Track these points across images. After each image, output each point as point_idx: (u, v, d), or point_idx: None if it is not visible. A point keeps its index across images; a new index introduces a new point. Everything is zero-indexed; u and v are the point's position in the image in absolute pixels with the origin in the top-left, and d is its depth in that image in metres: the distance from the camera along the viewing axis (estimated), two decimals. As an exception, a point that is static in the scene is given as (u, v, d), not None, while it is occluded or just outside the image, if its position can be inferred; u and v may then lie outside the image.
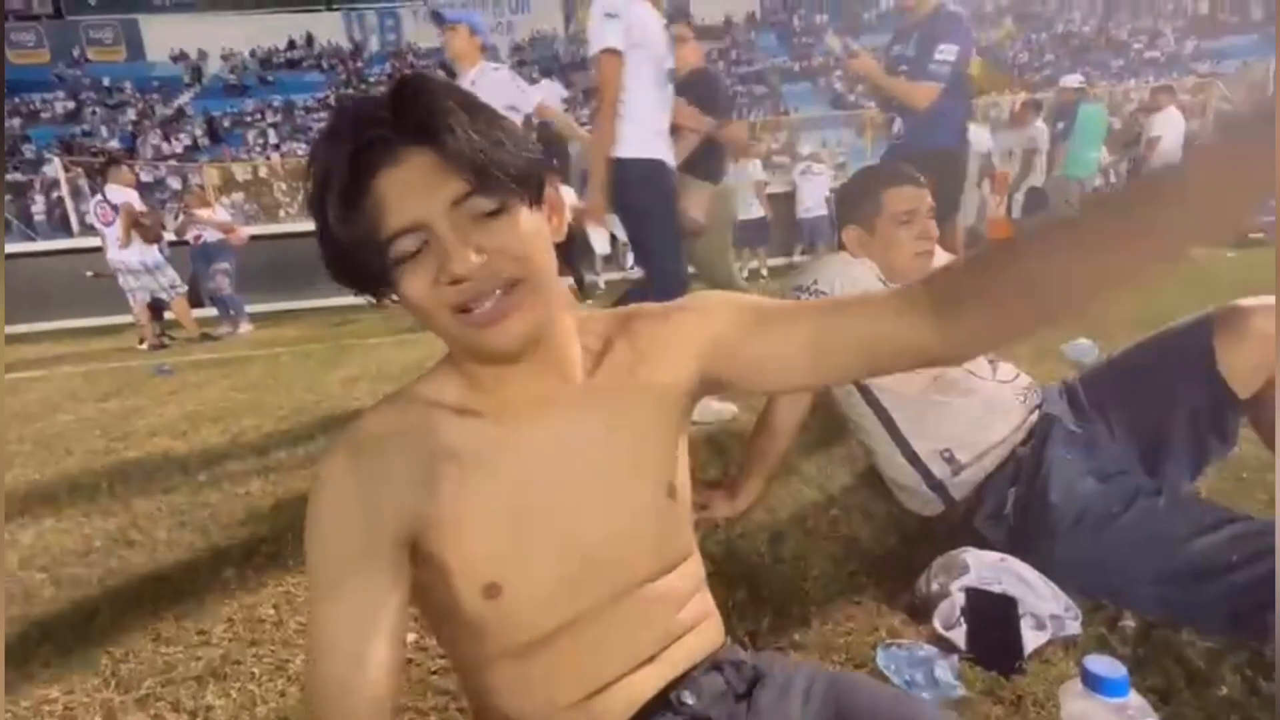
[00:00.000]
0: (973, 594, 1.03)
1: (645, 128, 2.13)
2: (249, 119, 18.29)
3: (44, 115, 18.02)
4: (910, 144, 2.59)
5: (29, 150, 15.47)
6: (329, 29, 22.44)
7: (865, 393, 1.30)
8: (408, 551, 0.53)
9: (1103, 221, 0.46)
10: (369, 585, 0.51)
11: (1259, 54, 13.17)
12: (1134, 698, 0.64)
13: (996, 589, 1.02)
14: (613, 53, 2.03)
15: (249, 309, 6.06)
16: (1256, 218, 7.06)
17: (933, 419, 1.25)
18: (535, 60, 20.20)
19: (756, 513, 1.53)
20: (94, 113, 17.99)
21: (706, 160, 2.73)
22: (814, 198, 7.36)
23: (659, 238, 2.23)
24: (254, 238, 6.53)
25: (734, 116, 2.92)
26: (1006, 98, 9.80)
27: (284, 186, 12.47)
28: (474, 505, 0.55)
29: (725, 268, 3.12)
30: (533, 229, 0.52)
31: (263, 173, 12.85)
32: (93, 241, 5.93)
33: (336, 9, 22.76)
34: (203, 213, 6.03)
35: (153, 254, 5.42)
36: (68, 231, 10.01)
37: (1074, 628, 1.00)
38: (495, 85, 2.73)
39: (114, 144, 15.69)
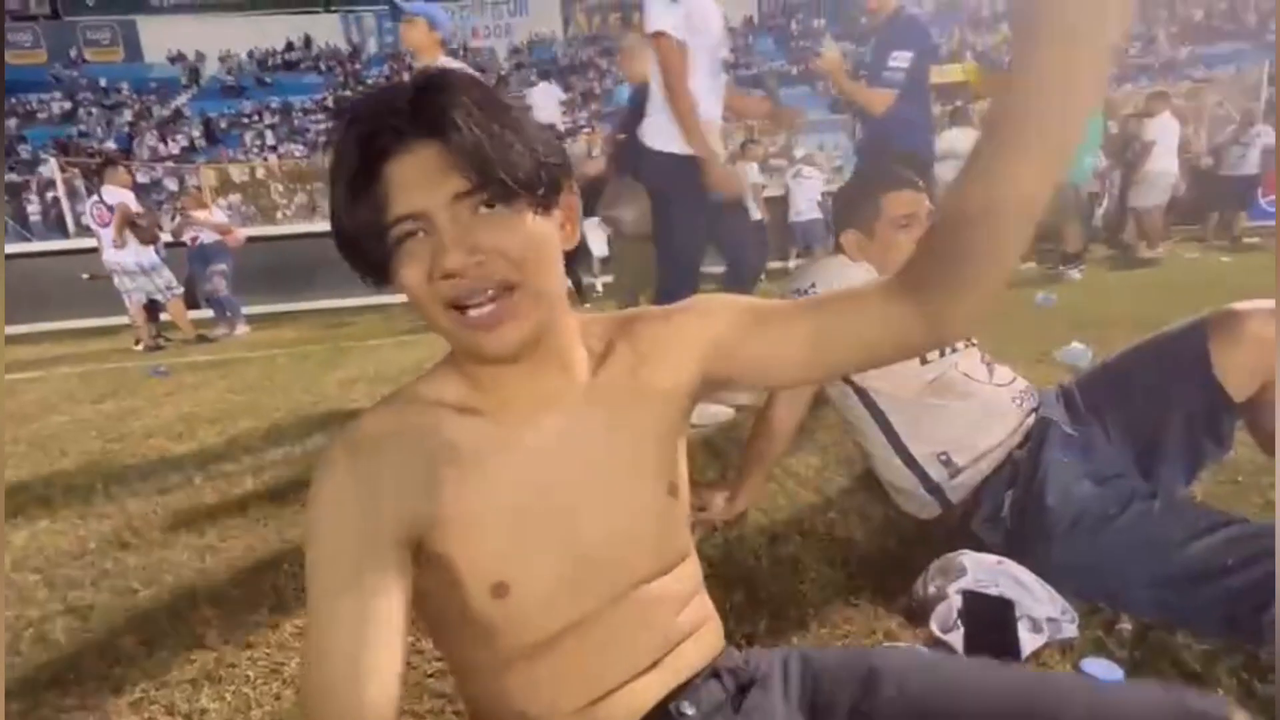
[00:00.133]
0: (970, 597, 1.03)
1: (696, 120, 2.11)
2: (246, 120, 18.27)
3: (40, 116, 17.97)
4: (874, 149, 2.59)
5: (25, 151, 15.42)
6: (327, 31, 22.44)
7: (862, 395, 1.31)
8: (409, 553, 0.53)
9: (980, 152, 0.49)
10: (370, 588, 0.50)
11: (1252, 60, 13.25)
12: (1130, 700, 0.64)
13: (993, 592, 1.02)
14: (665, 36, 2.02)
15: (246, 310, 6.04)
16: (1247, 220, 7.11)
17: (930, 422, 1.25)
18: (533, 63, 20.23)
19: (754, 515, 1.53)
20: (90, 113, 17.95)
21: None
22: (806, 201, 7.35)
23: (680, 234, 2.22)
24: (251, 239, 6.52)
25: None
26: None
27: (281, 188, 12.44)
28: (479, 504, 0.54)
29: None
30: (537, 233, 0.52)
31: (260, 174, 12.81)
32: (89, 242, 5.91)
33: (334, 11, 22.75)
34: (199, 214, 6.02)
35: (149, 255, 5.40)
36: (63, 232, 9.97)
37: (1071, 630, 1.01)
38: None
39: (110, 145, 15.65)
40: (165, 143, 16.71)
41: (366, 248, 0.52)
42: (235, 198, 11.69)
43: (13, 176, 12.81)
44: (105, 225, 5.22)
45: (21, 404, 3.43)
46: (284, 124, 18.07)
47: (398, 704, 0.49)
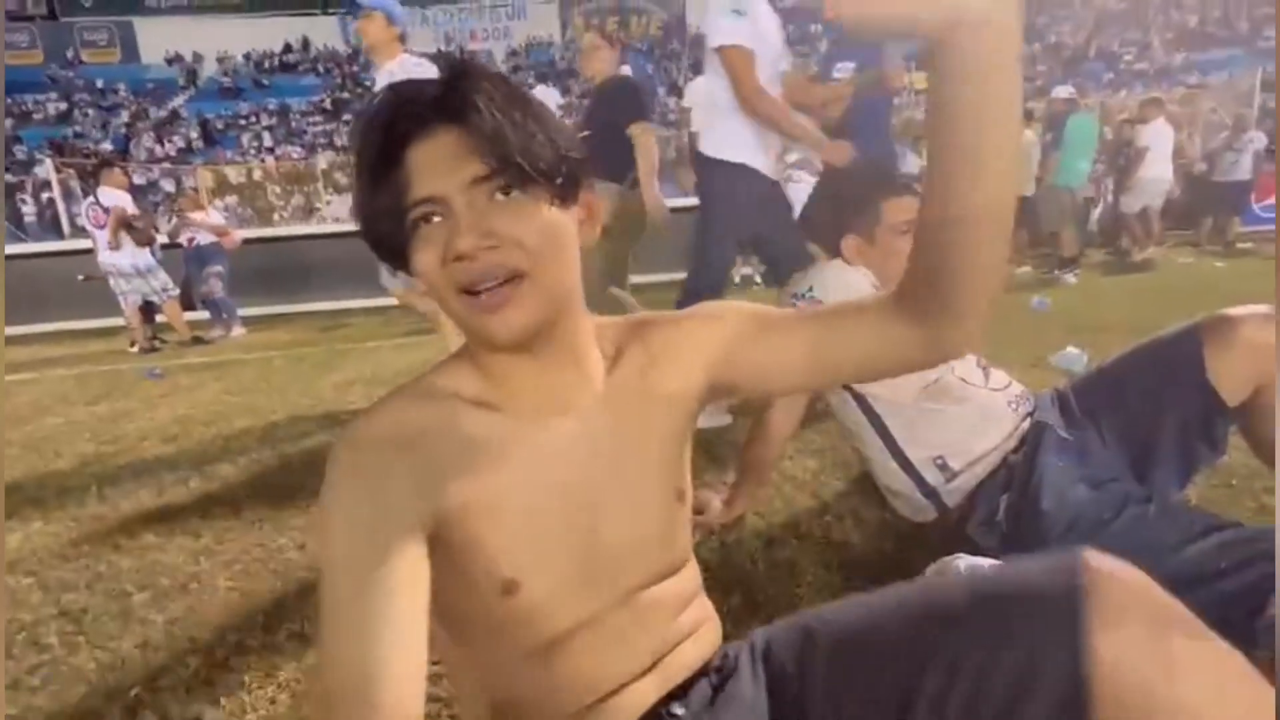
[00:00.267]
0: (965, 600, 1.03)
1: (742, 129, 2.13)
2: (244, 122, 18.24)
3: (36, 116, 17.92)
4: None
5: (20, 151, 15.37)
6: (325, 33, 22.43)
7: (859, 400, 1.31)
8: (426, 549, 0.51)
9: (927, 173, 0.49)
10: (389, 586, 0.47)
11: (1245, 66, 13.36)
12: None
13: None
14: (737, 48, 2.04)
15: (242, 312, 6.03)
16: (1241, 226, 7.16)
17: (926, 426, 1.25)
18: (531, 66, 20.27)
19: (751, 519, 1.54)
20: (86, 114, 17.91)
21: (613, 159, 2.63)
22: (799, 204, 7.35)
23: (723, 241, 2.24)
24: (247, 241, 6.50)
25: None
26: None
27: (278, 190, 12.42)
28: (495, 499, 0.54)
29: (620, 277, 2.81)
30: (553, 224, 0.52)
31: (257, 176, 12.78)
32: (84, 244, 5.89)
33: (333, 13, 22.75)
34: (196, 215, 6.00)
35: (145, 257, 5.38)
36: (59, 233, 9.93)
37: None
38: None
39: (107, 146, 15.61)
40: (162, 144, 16.68)
41: (386, 231, 0.52)
42: (232, 199, 11.67)
43: (8, 177, 12.76)
44: (101, 227, 5.20)
45: (15, 405, 3.42)
46: (281, 126, 18.05)
47: (422, 706, 0.46)
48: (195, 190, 7.90)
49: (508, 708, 0.59)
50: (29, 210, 12.21)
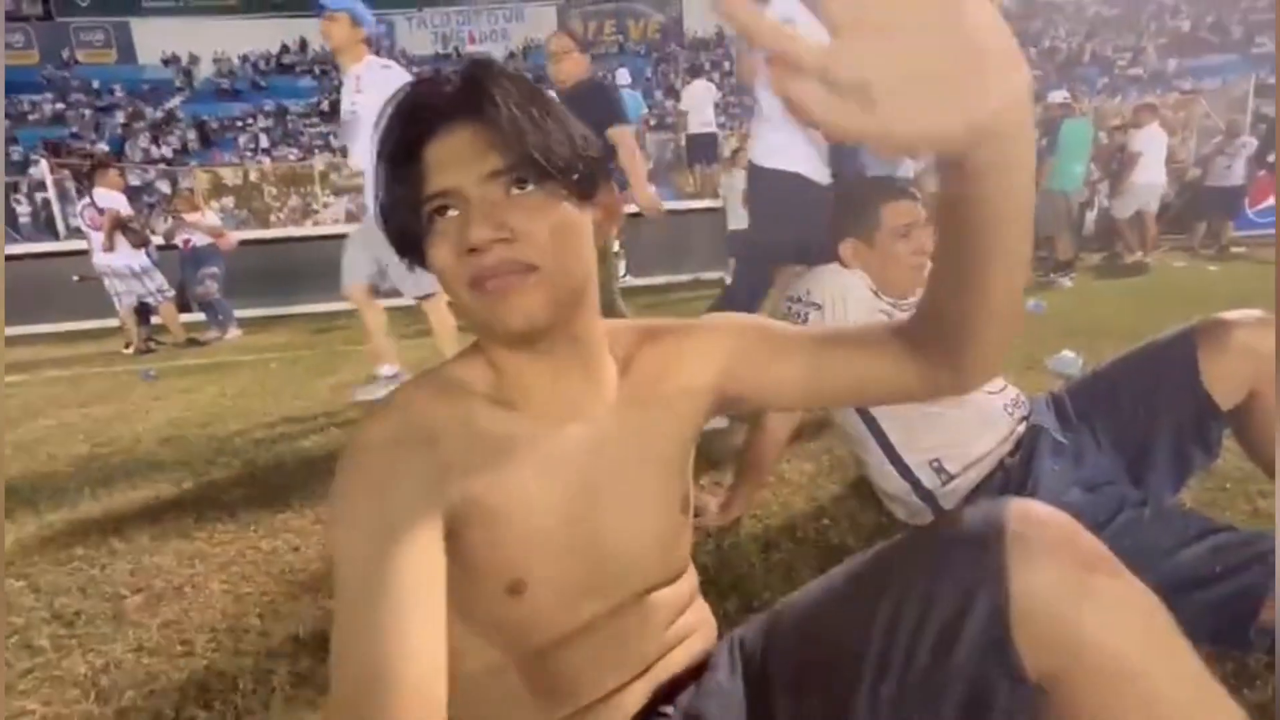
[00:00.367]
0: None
1: (794, 137, 2.13)
2: (240, 123, 18.20)
3: (31, 117, 17.85)
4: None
5: (15, 152, 15.30)
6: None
7: (856, 402, 1.31)
8: (443, 542, 0.50)
9: (938, 271, 0.49)
10: (412, 571, 0.46)
11: (1239, 72, 13.45)
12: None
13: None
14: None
15: (237, 314, 6.00)
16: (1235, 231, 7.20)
17: (922, 429, 1.26)
18: (528, 69, 20.29)
19: (747, 522, 1.53)
20: (82, 115, 17.85)
21: None
22: None
23: (773, 249, 2.23)
24: (243, 242, 6.48)
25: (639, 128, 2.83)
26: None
27: (274, 191, 12.38)
28: (507, 498, 0.54)
29: (606, 294, 2.90)
30: (567, 220, 0.52)
31: (253, 177, 12.74)
32: (79, 245, 5.87)
33: (330, 15, 22.73)
34: (192, 217, 5.98)
35: (140, 258, 5.36)
36: (53, 234, 9.89)
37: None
38: (383, 84, 2.56)
39: (102, 147, 15.55)
40: (158, 145, 16.62)
41: (404, 225, 0.53)
42: (228, 201, 11.63)
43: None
44: (96, 228, 5.18)
45: (8, 407, 3.40)
46: (278, 127, 18.02)
47: (445, 691, 0.44)
48: (191, 191, 7.87)
49: (499, 709, 0.59)
50: (24, 210, 12.15)
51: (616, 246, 6.03)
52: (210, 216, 6.50)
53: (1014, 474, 1.18)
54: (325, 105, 17.84)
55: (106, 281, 5.32)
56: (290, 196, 12.11)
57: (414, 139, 0.51)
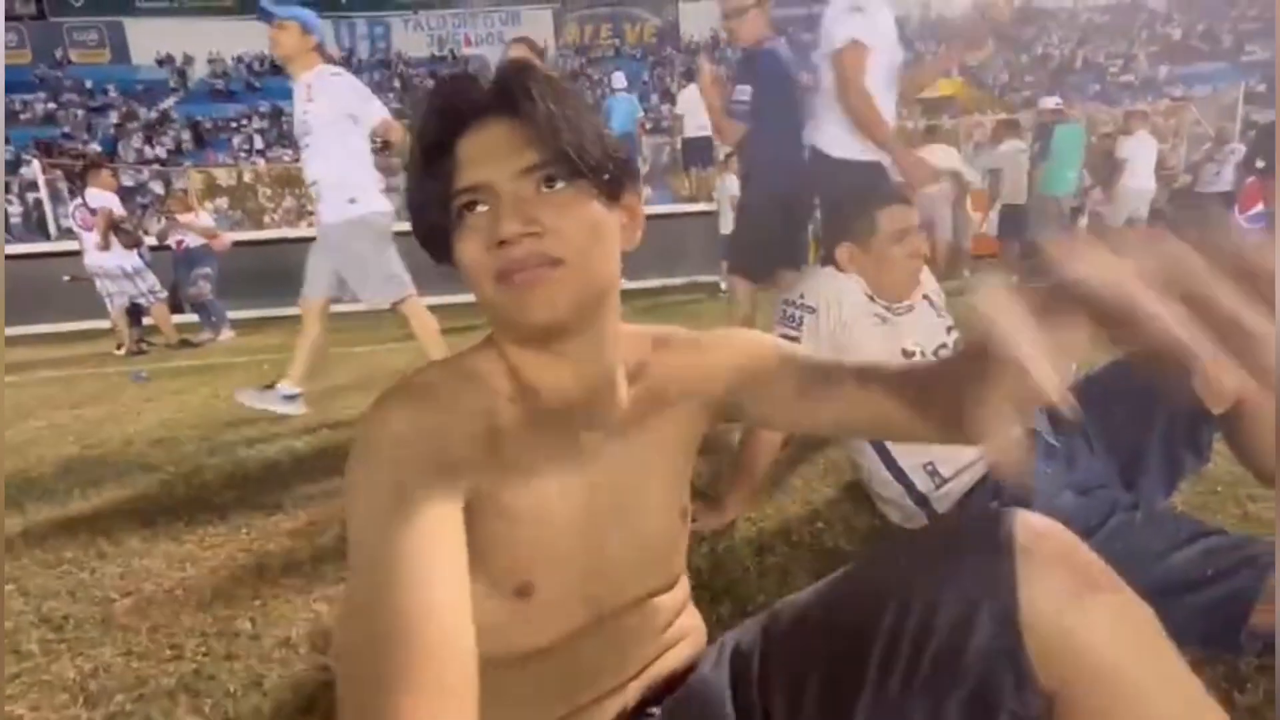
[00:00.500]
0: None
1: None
2: (234, 124, 18.14)
3: (23, 116, 17.73)
4: (752, 183, 2.54)
5: (7, 152, 15.20)
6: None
7: (850, 406, 1.32)
8: (462, 517, 0.48)
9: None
10: (433, 529, 0.43)
11: (1228, 80, 13.60)
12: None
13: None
14: (858, 44, 2.06)
15: (231, 315, 5.98)
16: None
17: (916, 433, 1.26)
18: (525, 71, 20.29)
19: (742, 525, 1.53)
20: (75, 115, 17.74)
21: None
22: None
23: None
24: (237, 243, 6.46)
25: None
26: (989, 117, 10.02)
27: (268, 192, 12.33)
28: (523, 497, 0.54)
29: None
30: (597, 219, 0.52)
31: (247, 178, 12.70)
32: (70, 245, 5.83)
33: (326, 16, 22.67)
34: (185, 217, 5.96)
35: (132, 259, 5.33)
36: (45, 235, 9.82)
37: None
38: (334, 92, 2.54)
39: (95, 147, 15.46)
40: (151, 145, 16.54)
41: (432, 221, 0.53)
42: (222, 201, 11.58)
43: (-6, 178, 12.60)
44: (88, 228, 5.15)
45: (-2, 409, 3.37)
46: (273, 128, 17.95)
47: (474, 640, 0.41)
48: (185, 192, 7.85)
49: (495, 707, 0.59)
50: (15, 211, 12.07)
51: None
52: (204, 217, 6.47)
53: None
54: (320, 106, 17.75)
55: (98, 282, 5.29)
56: (284, 198, 12.06)
57: (447, 134, 0.51)
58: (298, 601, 1.36)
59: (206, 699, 1.08)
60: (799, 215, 2.61)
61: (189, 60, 21.19)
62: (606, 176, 0.52)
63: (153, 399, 3.44)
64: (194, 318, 6.04)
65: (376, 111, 2.68)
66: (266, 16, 2.55)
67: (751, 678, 0.59)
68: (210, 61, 21.24)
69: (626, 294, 0.65)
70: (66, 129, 17.22)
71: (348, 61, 21.24)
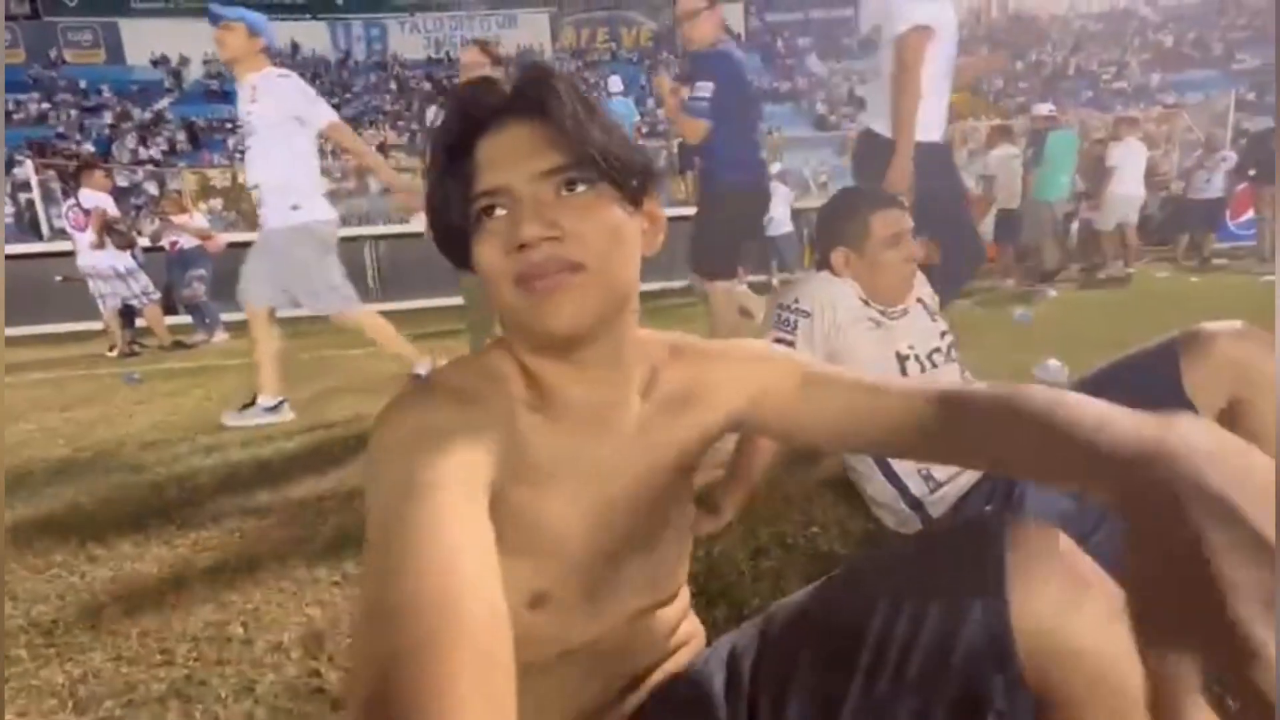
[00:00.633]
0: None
1: (935, 112, 2.18)
2: (229, 125, 18.07)
3: (16, 116, 17.63)
4: (712, 181, 2.55)
5: (-1, 152, 15.10)
6: (313, 38, 22.35)
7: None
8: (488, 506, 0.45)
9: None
10: (475, 521, 0.40)
11: (1219, 87, 13.73)
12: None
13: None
14: (925, 29, 2.08)
15: (224, 317, 5.95)
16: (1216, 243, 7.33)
17: (911, 437, 1.26)
18: (522, 74, 20.31)
19: (737, 529, 1.53)
20: (68, 115, 17.66)
21: None
22: (780, 215, 7.64)
23: (957, 219, 2.28)
24: (231, 245, 6.42)
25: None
26: (984, 123, 10.09)
27: (264, 194, 12.29)
28: (543, 507, 0.53)
29: (488, 317, 2.67)
30: (618, 224, 0.51)
31: (242, 179, 12.66)
32: (63, 246, 5.80)
33: (321, 19, 22.68)
34: (179, 218, 5.94)
35: (125, 260, 5.31)
36: (37, 235, 9.76)
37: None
38: (281, 94, 2.53)
39: (89, 147, 15.39)
40: (146, 146, 16.47)
41: (451, 224, 0.52)
42: (216, 203, 11.52)
43: (-15, 177, 12.51)
44: (81, 229, 5.12)
45: (-12, 411, 3.34)
46: (268, 130, 17.90)
47: (506, 609, 0.38)
48: (179, 193, 7.80)
49: None
50: (7, 211, 11.99)
51: None
52: (198, 218, 6.45)
53: (1001, 482, 1.19)
54: (316, 108, 17.72)
55: (91, 283, 5.26)
56: (279, 199, 11.98)
57: (467, 136, 0.51)
58: (290, 606, 1.35)
59: (197, 705, 1.07)
60: (756, 212, 2.66)
61: (184, 61, 21.13)
62: (633, 181, 0.52)
63: (145, 401, 3.42)
64: (187, 319, 6.01)
65: (324, 114, 2.65)
66: (214, 19, 2.54)
67: (744, 678, 0.58)
68: (205, 62, 21.16)
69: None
70: (60, 129, 17.14)
71: (343, 63, 21.23)
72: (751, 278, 7.73)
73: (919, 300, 1.42)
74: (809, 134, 16.23)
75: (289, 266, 2.64)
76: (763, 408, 0.61)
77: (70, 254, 5.39)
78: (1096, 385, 1.30)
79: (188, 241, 5.86)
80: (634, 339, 0.58)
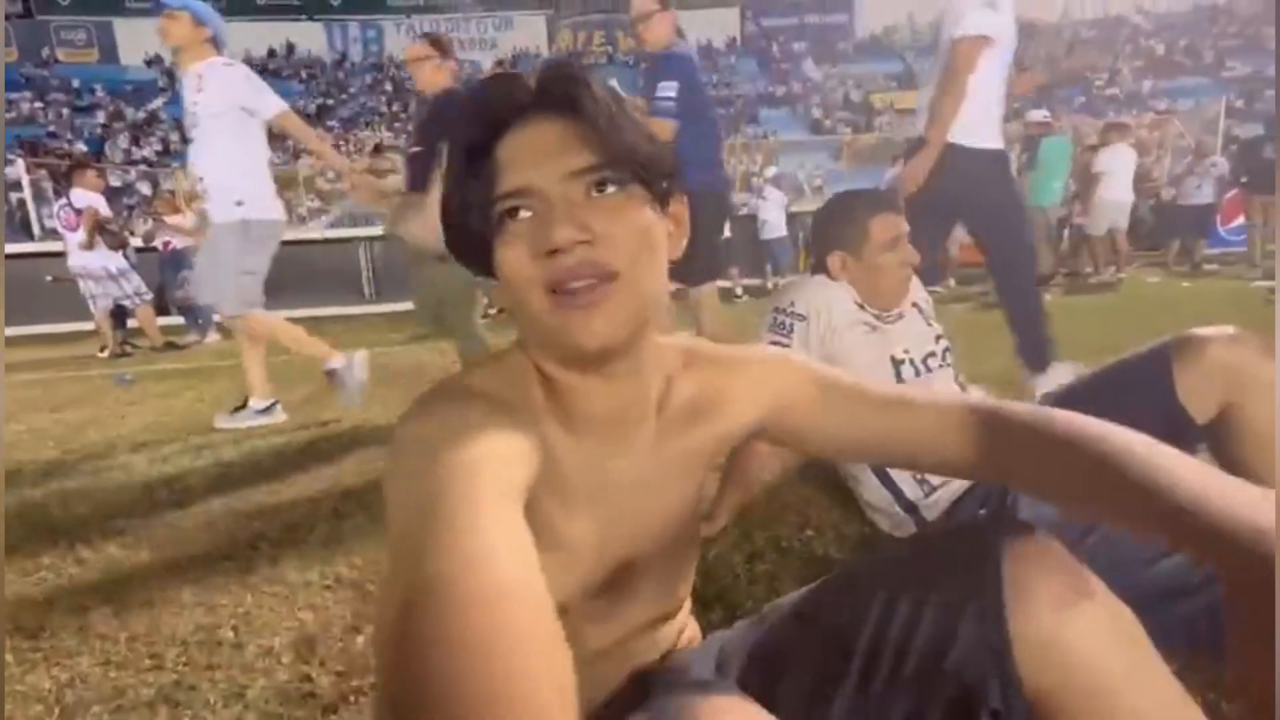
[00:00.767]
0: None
1: (992, 118, 2.18)
2: (225, 125, 18.00)
3: (8, 115, 17.51)
4: (680, 182, 2.57)
5: (-10, 151, 15.00)
6: (310, 38, 22.32)
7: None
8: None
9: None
10: (515, 521, 0.38)
11: (1212, 94, 13.87)
12: None
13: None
14: (983, 40, 2.09)
15: (217, 318, 5.92)
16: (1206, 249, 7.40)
17: (906, 440, 1.26)
18: (518, 76, 20.30)
19: (732, 533, 1.53)
20: (61, 114, 17.56)
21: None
22: (774, 219, 7.72)
23: (1015, 229, 2.29)
24: (225, 246, 6.40)
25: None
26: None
27: (258, 194, 12.23)
28: (565, 522, 0.52)
29: (463, 316, 2.52)
30: (649, 226, 0.49)
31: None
32: (54, 246, 5.76)
33: (318, 19, 22.65)
34: (173, 219, 5.91)
35: (117, 260, 5.28)
36: (28, 235, 9.69)
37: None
38: (227, 84, 2.45)
39: (81, 147, 15.29)
40: (139, 146, 16.39)
41: (471, 228, 0.49)
42: (210, 203, 11.46)
43: (-23, 177, 12.40)
44: (72, 229, 5.09)
45: (-24, 412, 3.30)
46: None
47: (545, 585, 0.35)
48: (172, 193, 7.77)
49: None
50: (-3, 210, 11.88)
51: None
52: (191, 219, 6.41)
53: (995, 486, 1.19)
54: (312, 109, 17.72)
55: (82, 284, 5.23)
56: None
57: (488, 134, 0.48)
58: (282, 610, 1.34)
59: (187, 710, 1.05)
60: (722, 213, 2.64)
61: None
62: (663, 182, 0.50)
63: (136, 402, 3.39)
64: (180, 320, 5.98)
65: (272, 105, 2.56)
66: (159, 7, 2.47)
67: (731, 675, 0.58)
68: (200, 62, 21.05)
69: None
70: (52, 128, 17.03)
71: (339, 64, 21.20)
72: (746, 281, 7.77)
73: (914, 304, 1.42)
74: (804, 138, 16.30)
75: (215, 259, 2.56)
76: (780, 418, 0.60)
77: (61, 254, 5.35)
78: (1090, 389, 1.30)
79: (181, 242, 5.83)
80: (655, 348, 0.56)
